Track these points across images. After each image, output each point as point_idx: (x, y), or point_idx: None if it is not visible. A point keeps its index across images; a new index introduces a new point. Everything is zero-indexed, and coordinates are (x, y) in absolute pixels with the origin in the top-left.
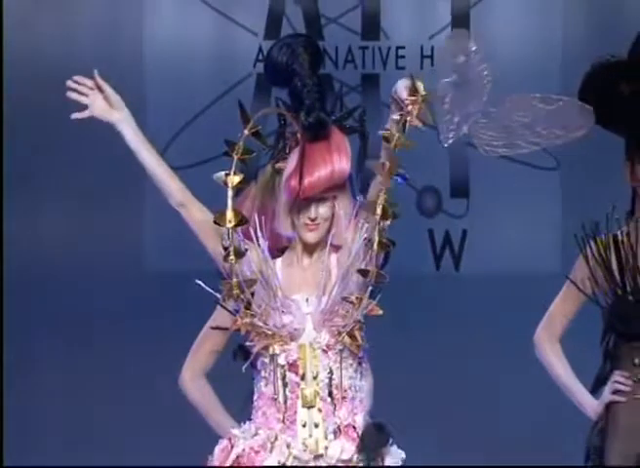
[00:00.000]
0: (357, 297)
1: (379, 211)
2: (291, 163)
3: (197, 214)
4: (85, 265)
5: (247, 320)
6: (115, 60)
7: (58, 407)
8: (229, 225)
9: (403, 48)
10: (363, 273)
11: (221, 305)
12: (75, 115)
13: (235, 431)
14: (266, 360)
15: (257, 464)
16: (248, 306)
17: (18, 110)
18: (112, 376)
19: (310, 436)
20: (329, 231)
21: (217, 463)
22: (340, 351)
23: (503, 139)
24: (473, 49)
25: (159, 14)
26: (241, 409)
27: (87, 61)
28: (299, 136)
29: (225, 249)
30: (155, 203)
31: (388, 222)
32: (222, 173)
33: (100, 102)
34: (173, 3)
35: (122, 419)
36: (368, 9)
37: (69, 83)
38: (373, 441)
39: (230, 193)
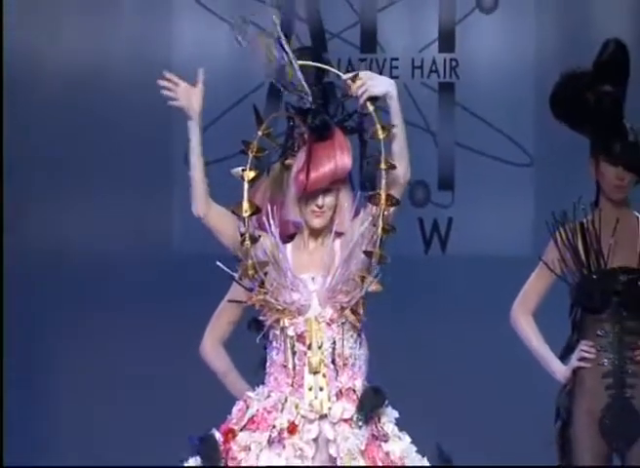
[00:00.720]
0: (361, 276)
1: (382, 201)
2: (299, 160)
3: (215, 216)
4: (118, 248)
5: (260, 297)
6: (147, 73)
7: (90, 387)
8: (246, 214)
9: (397, 59)
10: (368, 254)
11: (237, 282)
12: (170, 102)
13: (250, 394)
14: (277, 332)
15: (269, 422)
16: (261, 285)
17: (59, 108)
18: (141, 354)
19: (316, 398)
20: (332, 219)
21: (234, 421)
22: (343, 324)
23: None
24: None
25: (185, 33)
26: (255, 374)
27: (124, 73)
28: (306, 136)
29: (242, 235)
30: (183, 191)
31: (392, 209)
32: (239, 168)
33: (188, 96)
34: (197, 24)
35: (154, 395)
36: (366, 26)
37: (161, 80)
38: (370, 402)
39: (246, 186)
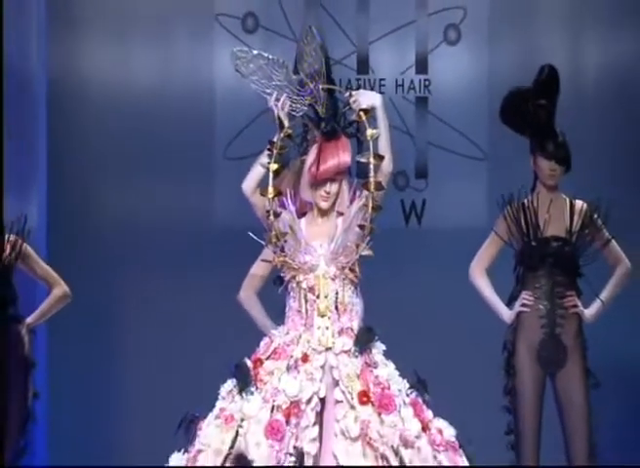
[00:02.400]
0: (356, 244)
1: (372, 186)
2: (311, 156)
3: (259, 196)
4: (173, 222)
5: (281, 258)
6: (196, 86)
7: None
8: (270, 196)
9: (384, 79)
10: (361, 227)
11: (266, 246)
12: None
13: (274, 331)
14: (294, 285)
15: (288, 353)
16: (282, 249)
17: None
18: (190, 306)
19: (323, 335)
20: (335, 201)
21: (261, 352)
22: (343, 279)
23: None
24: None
25: (225, 60)
26: (278, 317)
27: (180, 90)
28: (317, 138)
29: (267, 211)
30: (222, 180)
31: (380, 193)
32: (266, 161)
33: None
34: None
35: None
36: (360, 54)
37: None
38: (364, 338)
39: (271, 175)
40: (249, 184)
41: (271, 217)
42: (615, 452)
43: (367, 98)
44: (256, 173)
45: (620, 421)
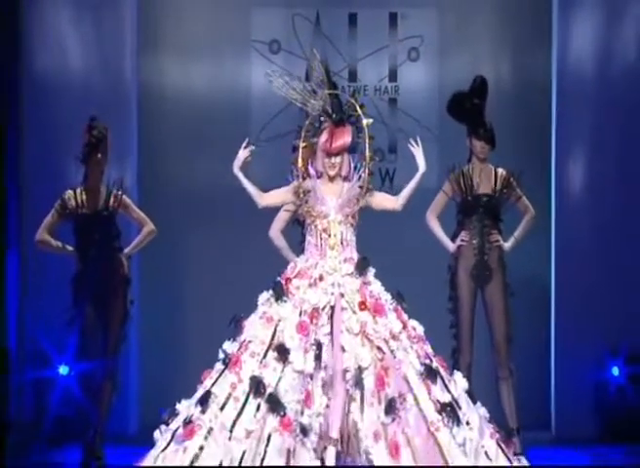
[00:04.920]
0: (356, 199)
1: (368, 159)
2: (323, 137)
3: (269, 201)
4: (224, 186)
5: (305, 208)
6: (238, 90)
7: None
8: (300, 165)
9: (367, 85)
10: (360, 187)
11: (290, 205)
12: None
13: (296, 259)
14: (313, 227)
15: (309, 274)
16: (306, 202)
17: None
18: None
19: (333, 262)
20: (341, 169)
21: (289, 272)
22: (347, 224)
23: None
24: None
25: (259, 73)
26: (299, 250)
27: (227, 93)
28: (328, 124)
29: (297, 175)
30: (258, 154)
31: (372, 163)
32: (297, 140)
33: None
34: (267, 67)
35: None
36: (351, 68)
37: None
38: (361, 264)
39: (300, 151)
40: (257, 201)
41: (300, 180)
42: (523, 338)
43: (422, 158)
44: (252, 194)
45: (527, 317)
